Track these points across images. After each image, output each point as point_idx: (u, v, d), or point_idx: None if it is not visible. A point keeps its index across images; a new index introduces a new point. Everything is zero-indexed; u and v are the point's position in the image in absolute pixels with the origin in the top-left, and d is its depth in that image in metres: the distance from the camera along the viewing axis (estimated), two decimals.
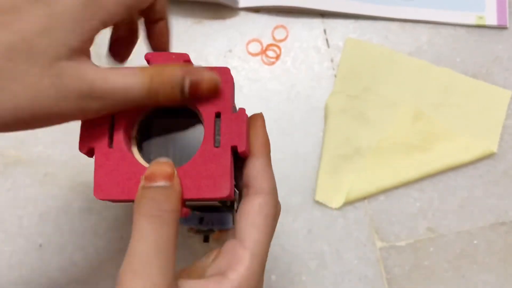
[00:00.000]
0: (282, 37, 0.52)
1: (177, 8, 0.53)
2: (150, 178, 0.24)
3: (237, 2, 0.52)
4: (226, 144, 0.27)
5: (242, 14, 0.53)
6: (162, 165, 0.25)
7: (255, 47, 0.52)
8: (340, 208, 0.48)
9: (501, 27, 0.52)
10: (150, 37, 0.31)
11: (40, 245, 0.47)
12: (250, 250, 0.25)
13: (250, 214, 0.26)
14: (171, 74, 0.25)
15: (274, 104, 0.50)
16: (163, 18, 0.30)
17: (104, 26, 0.25)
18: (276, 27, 0.52)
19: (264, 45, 0.52)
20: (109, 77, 0.24)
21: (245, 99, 0.51)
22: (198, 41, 0.52)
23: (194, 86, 0.25)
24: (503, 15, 0.52)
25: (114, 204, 0.48)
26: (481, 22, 0.51)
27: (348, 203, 0.48)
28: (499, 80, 0.51)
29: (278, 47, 0.52)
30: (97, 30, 0.24)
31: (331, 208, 0.48)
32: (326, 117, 0.50)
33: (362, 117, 0.50)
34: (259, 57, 0.52)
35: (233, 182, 0.27)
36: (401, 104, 0.50)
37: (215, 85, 0.26)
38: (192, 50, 0.52)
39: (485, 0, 0.52)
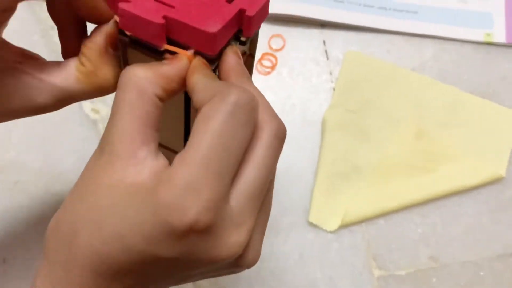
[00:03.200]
0: (279, 46, 0.49)
1: None
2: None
3: None
4: (237, 4, 0.25)
5: None
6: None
7: None
8: (335, 231, 0.44)
9: (509, 45, 0.49)
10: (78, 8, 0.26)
11: (4, 260, 0.43)
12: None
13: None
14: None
15: None
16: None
17: None
18: (272, 36, 0.50)
19: (260, 54, 0.49)
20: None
21: None
22: None
23: None
24: None
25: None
26: (489, 39, 0.49)
27: (344, 226, 0.44)
28: (506, 100, 0.48)
29: (274, 56, 0.49)
30: None
31: (325, 231, 0.44)
32: (323, 131, 0.46)
33: (361, 134, 0.46)
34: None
35: (222, 43, 0.24)
36: (403, 121, 0.47)
37: None
38: None
39: (494, 16, 0.50)
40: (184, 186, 0.19)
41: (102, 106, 0.48)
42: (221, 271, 0.23)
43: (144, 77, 0.21)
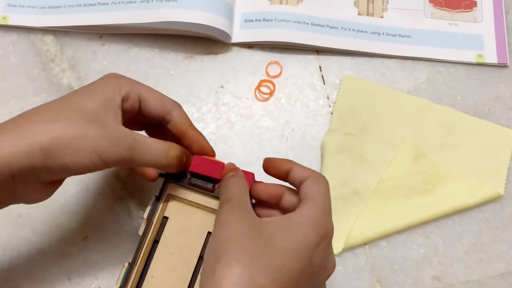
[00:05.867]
0: (276, 73, 0.50)
1: (168, 43, 0.51)
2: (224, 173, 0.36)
3: (230, 38, 0.50)
4: None
5: (235, 49, 0.51)
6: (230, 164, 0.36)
7: (248, 83, 0.50)
8: (339, 255, 0.44)
9: (501, 65, 0.50)
10: (187, 147, 0.37)
11: None
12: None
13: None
14: (178, 150, 0.35)
15: (267, 141, 0.48)
16: (186, 129, 0.37)
17: (123, 102, 0.34)
18: (270, 63, 0.50)
19: (258, 81, 0.50)
20: (145, 139, 0.33)
21: (237, 136, 0.48)
22: (189, 77, 0.50)
23: (187, 161, 0.36)
24: (503, 53, 0.50)
25: (91, 248, 0.44)
26: (480, 60, 0.50)
27: (347, 249, 0.44)
28: (502, 119, 0.49)
29: (272, 83, 0.50)
30: (120, 105, 0.34)
31: None
32: (322, 156, 0.47)
33: (360, 157, 0.47)
34: (252, 93, 0.49)
35: None
36: (401, 143, 0.47)
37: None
38: (183, 86, 0.50)
39: (484, 38, 0.51)
40: (322, 212, 0.32)
41: None
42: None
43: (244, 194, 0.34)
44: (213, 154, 0.38)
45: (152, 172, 0.38)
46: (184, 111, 0.38)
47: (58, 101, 0.33)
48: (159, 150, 0.33)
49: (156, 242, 0.36)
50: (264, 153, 0.47)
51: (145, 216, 0.37)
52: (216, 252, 0.29)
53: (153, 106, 0.36)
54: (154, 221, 0.36)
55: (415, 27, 0.51)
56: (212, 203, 0.37)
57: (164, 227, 0.36)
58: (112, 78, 0.35)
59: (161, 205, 0.37)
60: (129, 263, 0.36)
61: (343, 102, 0.49)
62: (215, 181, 0.37)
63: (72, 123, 0.31)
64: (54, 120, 0.31)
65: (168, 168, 0.35)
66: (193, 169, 0.37)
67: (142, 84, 0.37)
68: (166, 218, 0.37)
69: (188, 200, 0.37)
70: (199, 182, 0.37)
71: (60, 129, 0.30)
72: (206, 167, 0.37)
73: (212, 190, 0.37)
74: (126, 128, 0.33)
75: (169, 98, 0.38)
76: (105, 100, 0.33)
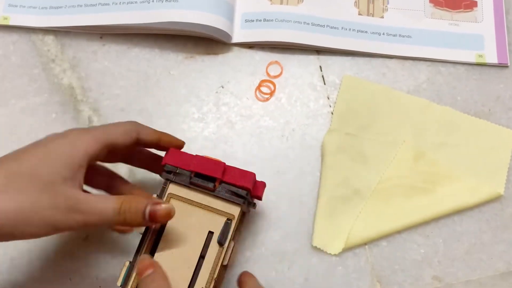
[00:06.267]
0: (277, 73, 0.50)
1: (168, 43, 0.51)
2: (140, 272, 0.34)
3: (230, 38, 0.50)
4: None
5: (235, 49, 0.51)
6: (144, 261, 0.35)
7: (248, 83, 0.50)
8: (339, 255, 0.44)
9: (501, 65, 0.50)
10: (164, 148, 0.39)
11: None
12: None
13: None
14: (136, 204, 0.33)
15: (268, 141, 0.48)
16: (157, 142, 0.38)
17: (90, 160, 0.33)
18: (270, 63, 0.50)
19: (258, 81, 0.50)
20: (91, 199, 0.32)
21: (238, 136, 0.48)
22: (189, 77, 0.50)
23: (153, 214, 0.33)
24: (503, 53, 0.50)
25: (92, 248, 0.44)
26: (481, 61, 0.50)
27: (348, 249, 0.44)
28: (502, 119, 0.49)
29: (273, 83, 0.50)
30: (83, 165, 0.33)
31: (329, 255, 0.44)
32: (323, 156, 0.47)
33: (360, 157, 0.47)
34: (252, 93, 0.49)
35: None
36: (401, 143, 0.47)
37: (168, 213, 0.34)
38: (183, 86, 0.50)
39: (485, 38, 0.51)
40: None
41: None
42: None
43: None
44: (183, 144, 0.40)
45: (125, 228, 0.41)
46: (143, 129, 0.38)
47: (9, 161, 0.31)
48: (113, 218, 0.32)
49: (157, 241, 0.36)
50: (264, 153, 0.47)
51: None
52: None
53: (124, 145, 0.36)
54: None
55: (415, 27, 0.51)
56: (213, 202, 0.37)
57: (165, 226, 0.37)
58: (77, 140, 0.33)
59: None
60: (130, 262, 0.36)
61: (343, 102, 0.49)
62: (216, 180, 0.37)
63: (22, 194, 0.30)
64: (2, 190, 0.30)
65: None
66: (194, 168, 0.37)
67: (107, 129, 0.35)
68: None
69: (189, 199, 0.37)
70: (200, 181, 0.37)
71: (8, 202, 0.29)
72: (207, 166, 0.37)
73: (213, 190, 0.37)
74: (82, 194, 0.32)
75: (124, 123, 0.37)
76: (64, 164, 0.32)
